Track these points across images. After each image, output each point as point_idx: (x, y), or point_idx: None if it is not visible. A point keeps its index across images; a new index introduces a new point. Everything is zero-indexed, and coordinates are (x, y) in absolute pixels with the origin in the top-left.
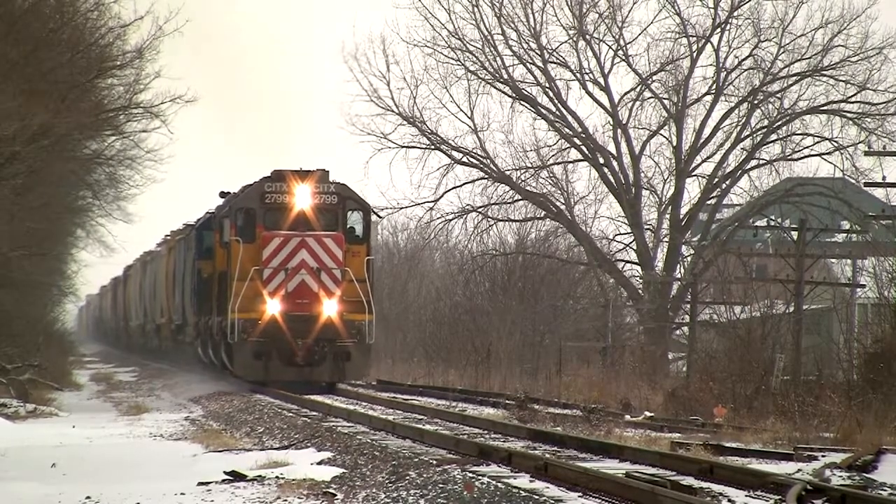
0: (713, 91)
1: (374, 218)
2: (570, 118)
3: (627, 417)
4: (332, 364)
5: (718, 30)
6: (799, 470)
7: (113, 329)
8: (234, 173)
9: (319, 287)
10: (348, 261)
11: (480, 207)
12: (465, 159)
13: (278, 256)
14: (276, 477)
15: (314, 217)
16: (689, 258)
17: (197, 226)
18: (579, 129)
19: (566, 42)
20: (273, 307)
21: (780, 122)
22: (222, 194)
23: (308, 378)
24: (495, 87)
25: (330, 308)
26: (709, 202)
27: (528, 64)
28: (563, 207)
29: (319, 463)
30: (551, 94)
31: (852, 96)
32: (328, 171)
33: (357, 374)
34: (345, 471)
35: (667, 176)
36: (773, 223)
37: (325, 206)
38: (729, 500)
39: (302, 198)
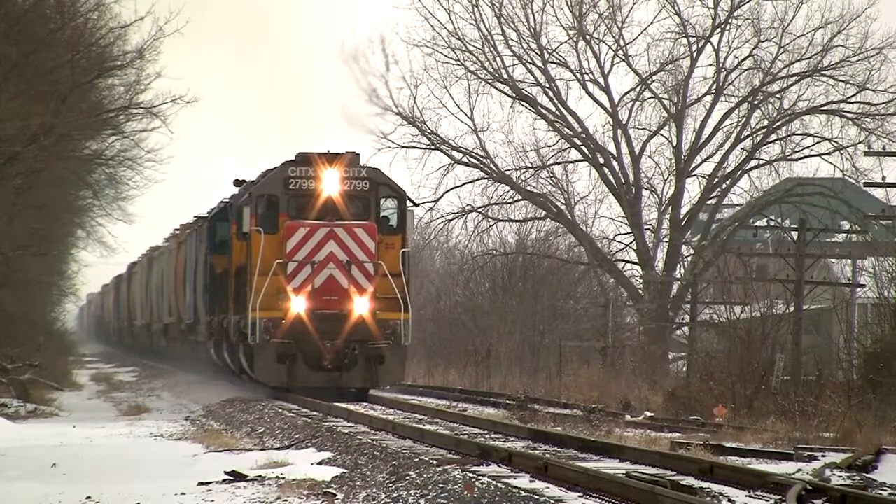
0: (713, 91)
1: (409, 206)
2: (570, 118)
3: (627, 417)
4: (363, 368)
5: (718, 30)
6: (799, 470)
7: (116, 329)
8: (233, 174)
9: (350, 282)
10: (382, 253)
11: (481, 207)
12: (465, 159)
13: (304, 248)
14: (277, 477)
15: (344, 205)
16: (689, 258)
17: (210, 217)
18: (579, 129)
19: (566, 42)
20: (298, 305)
21: (780, 123)
22: (237, 182)
23: (337, 384)
24: (495, 87)
25: (361, 306)
26: (709, 202)
27: (528, 64)
28: (563, 207)
29: (320, 463)
30: (551, 94)
31: (852, 96)
32: (359, 154)
33: (391, 378)
34: (345, 471)
35: (667, 176)
36: (773, 223)
37: (355, 193)
38: (729, 500)
39: (330, 183)
